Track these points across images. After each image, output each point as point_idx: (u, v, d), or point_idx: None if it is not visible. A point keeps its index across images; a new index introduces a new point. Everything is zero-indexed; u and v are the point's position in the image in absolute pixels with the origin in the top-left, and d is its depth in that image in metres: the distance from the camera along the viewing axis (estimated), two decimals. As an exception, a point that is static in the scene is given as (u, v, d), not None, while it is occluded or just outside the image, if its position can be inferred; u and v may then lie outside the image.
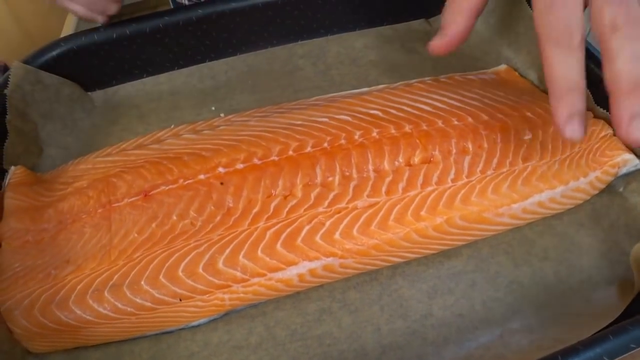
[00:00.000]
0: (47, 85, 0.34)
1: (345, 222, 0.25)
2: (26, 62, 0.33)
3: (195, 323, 0.25)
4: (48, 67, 0.34)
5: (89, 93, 0.37)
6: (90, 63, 0.36)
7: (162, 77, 0.37)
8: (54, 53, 0.35)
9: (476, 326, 0.24)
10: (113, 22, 0.35)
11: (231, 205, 0.26)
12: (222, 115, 0.33)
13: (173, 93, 0.36)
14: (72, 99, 0.35)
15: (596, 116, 0.30)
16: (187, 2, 0.47)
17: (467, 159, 0.27)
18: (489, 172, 0.27)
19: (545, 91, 0.34)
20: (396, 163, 0.27)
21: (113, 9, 0.33)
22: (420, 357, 0.24)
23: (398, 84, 0.34)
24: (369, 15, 0.39)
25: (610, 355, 0.19)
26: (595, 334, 0.20)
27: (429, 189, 0.26)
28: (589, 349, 0.19)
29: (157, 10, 0.36)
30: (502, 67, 0.36)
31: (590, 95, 0.31)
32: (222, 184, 0.26)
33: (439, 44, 0.27)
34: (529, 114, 0.30)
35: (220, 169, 0.27)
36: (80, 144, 0.34)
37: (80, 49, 0.35)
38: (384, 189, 0.26)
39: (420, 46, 0.39)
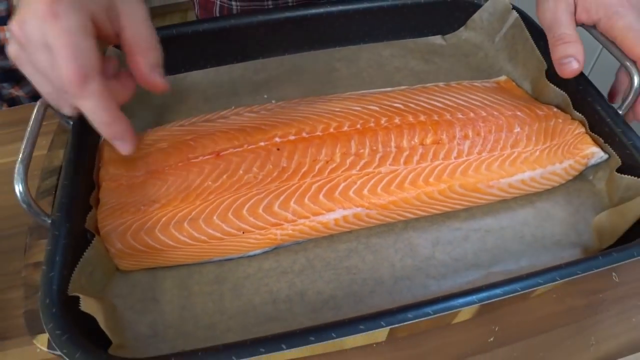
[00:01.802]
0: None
1: (372, 182, 0.32)
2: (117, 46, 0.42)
3: (251, 253, 0.33)
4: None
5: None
6: (164, 53, 0.44)
7: (223, 69, 0.45)
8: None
9: (467, 268, 0.32)
10: (187, 21, 0.43)
11: (285, 165, 0.33)
12: (273, 101, 0.41)
13: (232, 82, 0.44)
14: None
15: (573, 118, 0.38)
16: (235, 5, 0.55)
17: (467, 142, 0.35)
18: (484, 154, 0.34)
19: (535, 98, 0.42)
20: (412, 142, 0.34)
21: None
22: (424, 286, 0.31)
23: (417, 86, 0.41)
24: (395, 30, 0.47)
25: (561, 276, 0.26)
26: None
27: (437, 162, 0.33)
28: (548, 273, 0.27)
29: (224, 15, 0.44)
30: (502, 77, 0.44)
31: (570, 101, 0.38)
32: (278, 149, 0.34)
33: None
34: (519, 113, 0.37)
35: (277, 139, 0.35)
36: (153, 117, 0.42)
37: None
38: (402, 160, 0.33)
39: (436, 57, 0.47)
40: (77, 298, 0.26)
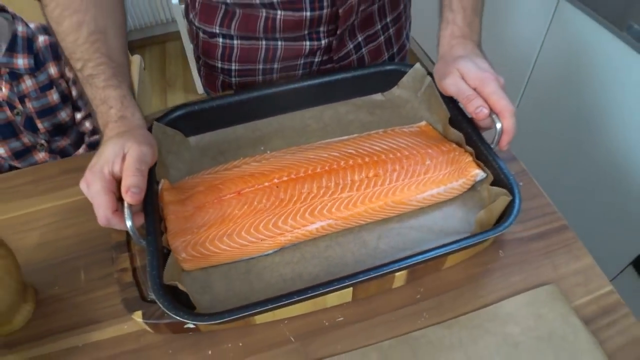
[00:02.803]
0: (168, 134, 0.61)
1: (336, 204, 0.52)
2: (158, 119, 0.61)
3: (266, 253, 0.52)
4: (167, 123, 0.62)
5: (188, 138, 0.64)
6: (188, 121, 0.63)
7: (229, 130, 0.65)
8: (171, 116, 0.62)
9: (399, 252, 0.52)
10: (207, 98, 0.63)
11: (282, 197, 0.53)
12: (268, 152, 0.61)
13: (237, 139, 0.64)
14: (179, 141, 0.63)
15: (465, 150, 0.59)
16: (234, 80, 0.75)
17: (395, 174, 0.55)
18: (406, 180, 0.55)
19: (444, 136, 0.63)
20: (360, 176, 0.55)
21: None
22: (373, 265, 0.51)
23: (364, 133, 0.62)
24: (349, 92, 0.68)
25: (451, 249, 0.47)
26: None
27: (376, 188, 0.54)
28: (446, 246, 0.47)
29: (228, 93, 0.64)
30: (423, 123, 0.64)
31: (464, 139, 0.59)
32: (277, 187, 0.54)
33: None
34: (430, 150, 0.58)
35: (275, 180, 0.54)
36: (186, 168, 0.62)
37: (183, 113, 0.62)
38: (355, 188, 0.53)
39: (378, 110, 0.67)
40: (168, 285, 0.46)
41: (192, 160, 0.62)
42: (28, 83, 0.86)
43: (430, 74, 0.66)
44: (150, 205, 0.51)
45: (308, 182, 0.54)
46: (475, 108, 0.55)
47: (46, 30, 0.88)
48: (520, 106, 1.63)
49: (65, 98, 0.90)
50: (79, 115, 0.93)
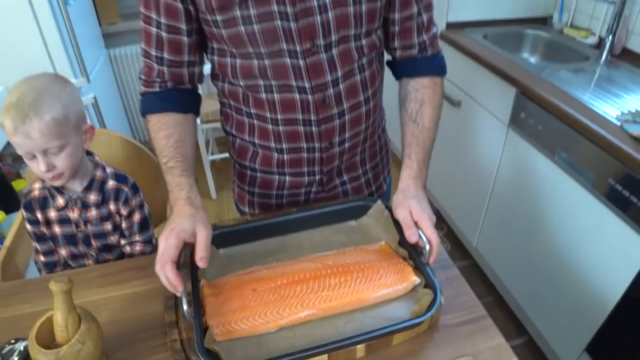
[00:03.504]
0: (206, 248, 0.90)
1: (318, 300, 0.79)
2: (200, 240, 0.89)
3: (272, 331, 0.78)
4: (206, 241, 0.90)
5: (218, 249, 0.92)
6: (220, 239, 0.92)
7: (248, 245, 0.93)
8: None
9: (359, 331, 0.77)
10: (228, 224, 0.92)
11: (283, 293, 0.80)
12: (274, 262, 0.89)
13: (253, 252, 0.92)
14: (213, 252, 0.91)
15: (408, 263, 0.86)
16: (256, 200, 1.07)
17: (359, 279, 0.82)
18: (366, 284, 0.82)
19: (396, 252, 0.91)
20: (334, 281, 0.82)
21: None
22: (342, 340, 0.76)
23: (341, 250, 0.90)
24: (331, 220, 0.97)
25: (389, 332, 0.73)
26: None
27: (345, 289, 0.81)
28: (385, 328, 0.73)
29: (248, 219, 0.93)
30: (382, 242, 0.93)
31: (407, 255, 0.87)
32: (280, 287, 0.81)
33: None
34: (384, 263, 0.86)
35: (279, 282, 0.82)
36: (218, 271, 0.89)
37: (218, 234, 0.91)
38: (330, 289, 0.81)
39: (351, 232, 0.96)
40: (207, 349, 0.71)
41: (222, 265, 0.90)
42: (93, 212, 1.13)
43: (388, 207, 0.95)
44: (196, 296, 0.78)
45: (300, 284, 0.81)
46: (409, 234, 0.84)
47: (116, 176, 1.17)
48: (488, 210, 1.94)
49: (116, 227, 1.17)
50: (123, 241, 1.20)
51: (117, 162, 1.33)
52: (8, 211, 1.92)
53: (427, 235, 0.84)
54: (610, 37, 1.81)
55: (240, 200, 1.16)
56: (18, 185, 2.02)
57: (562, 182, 1.47)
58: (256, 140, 1.01)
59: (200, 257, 0.76)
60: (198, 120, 2.37)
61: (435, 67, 1.01)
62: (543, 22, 2.19)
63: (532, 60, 2.12)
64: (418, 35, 0.97)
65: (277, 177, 1.05)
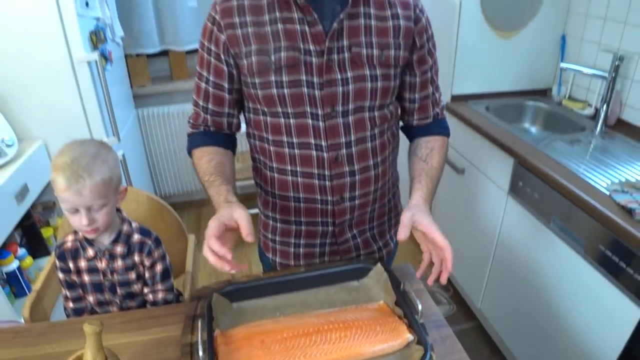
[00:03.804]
0: (221, 300, 0.99)
1: (320, 351, 0.88)
2: (217, 291, 0.99)
3: (276, 380, 0.86)
4: (221, 293, 1.00)
5: (232, 303, 1.02)
6: (233, 294, 1.02)
7: (259, 300, 1.03)
8: (224, 289, 1.01)
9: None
10: (242, 281, 1.02)
11: (289, 345, 0.89)
12: (282, 316, 0.98)
13: (263, 307, 1.01)
14: (227, 305, 1.00)
15: (403, 322, 0.95)
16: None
17: (358, 334, 0.91)
18: (363, 339, 0.90)
19: (392, 311, 0.99)
20: (335, 335, 0.91)
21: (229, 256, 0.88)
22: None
23: (342, 308, 0.99)
24: (335, 280, 1.07)
25: None
26: None
27: (345, 344, 0.89)
28: None
29: (260, 277, 1.04)
30: (381, 302, 1.02)
31: (402, 314, 0.96)
32: (286, 339, 0.90)
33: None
34: (381, 321, 0.94)
35: (285, 335, 0.91)
36: (230, 322, 0.98)
37: (232, 289, 1.01)
38: (332, 342, 0.89)
39: (353, 292, 1.05)
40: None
41: (234, 317, 1.00)
42: (119, 263, 1.24)
43: (387, 270, 1.05)
44: (210, 345, 0.87)
45: (304, 337, 0.90)
46: (401, 233, 0.96)
47: (141, 230, 1.27)
48: (490, 272, 2.01)
49: (139, 277, 1.27)
50: (145, 290, 1.29)
51: (143, 217, 1.46)
52: (35, 256, 2.05)
53: (438, 242, 0.94)
54: (604, 109, 1.94)
55: (265, 248, 1.28)
56: (46, 232, 2.16)
57: (557, 248, 1.55)
58: (276, 191, 1.15)
59: (247, 233, 0.89)
60: None
61: (442, 128, 1.21)
62: (543, 94, 2.33)
63: (533, 130, 2.25)
64: (433, 109, 1.19)
65: (294, 227, 1.18)
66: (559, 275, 1.57)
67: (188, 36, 2.91)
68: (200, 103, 1.12)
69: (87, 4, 2.08)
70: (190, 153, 1.16)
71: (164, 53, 2.99)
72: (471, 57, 2.20)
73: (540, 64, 2.30)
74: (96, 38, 2.17)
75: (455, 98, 2.25)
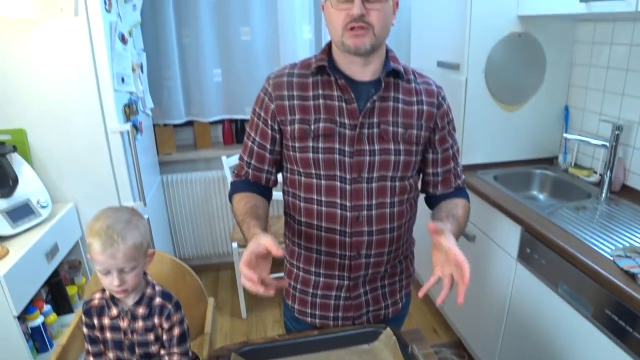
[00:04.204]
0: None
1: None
2: (235, 351, 1.06)
3: None
4: (239, 353, 1.06)
5: (249, 364, 1.08)
6: (249, 354, 1.08)
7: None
8: (243, 349, 1.07)
9: None
10: (258, 342, 1.09)
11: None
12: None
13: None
14: (244, 366, 1.07)
15: None
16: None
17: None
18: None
19: None
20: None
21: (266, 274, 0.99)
22: None
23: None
24: (348, 342, 1.12)
25: None
26: None
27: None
28: None
29: (276, 338, 1.10)
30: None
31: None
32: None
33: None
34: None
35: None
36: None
37: (249, 349, 1.07)
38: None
39: (364, 354, 1.11)
40: None
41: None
42: (139, 324, 1.30)
43: (396, 334, 1.11)
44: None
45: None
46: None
47: (163, 294, 1.33)
48: (503, 338, 2.02)
49: (158, 339, 1.33)
50: (162, 352, 1.34)
51: (165, 278, 1.54)
52: (59, 313, 2.12)
53: (459, 259, 0.96)
54: (607, 176, 2.01)
55: (286, 295, 1.38)
56: (71, 290, 2.25)
57: (565, 313, 1.58)
58: (302, 243, 1.28)
59: (275, 249, 0.96)
60: (235, 244, 2.67)
61: (464, 194, 1.34)
62: (550, 162, 2.42)
63: (541, 197, 2.32)
64: (455, 181, 1.32)
65: (314, 277, 1.29)
66: (570, 339, 1.59)
67: (213, 108, 3.09)
68: (245, 158, 1.29)
69: (122, 80, 2.28)
70: (231, 198, 1.30)
71: (189, 123, 3.17)
72: (478, 129, 2.32)
73: (545, 133, 2.41)
74: (129, 110, 2.35)
75: (465, 168, 2.33)
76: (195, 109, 3.12)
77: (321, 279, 1.28)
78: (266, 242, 0.98)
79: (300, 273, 1.32)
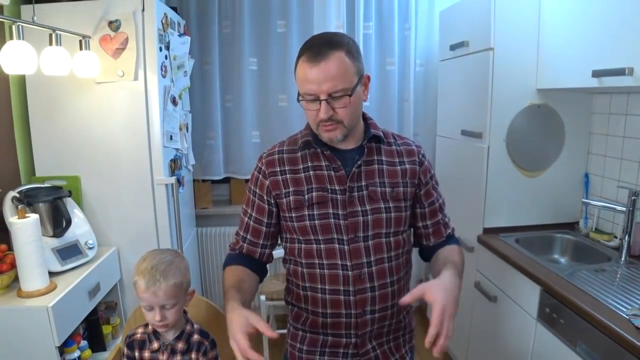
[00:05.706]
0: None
1: None
2: None
3: None
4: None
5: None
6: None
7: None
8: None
9: None
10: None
11: None
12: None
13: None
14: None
15: None
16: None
17: None
18: None
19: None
20: None
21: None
22: None
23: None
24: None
25: None
26: None
27: None
28: None
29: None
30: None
31: None
32: None
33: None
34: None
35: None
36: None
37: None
38: None
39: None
40: None
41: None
42: (178, 358, 1.41)
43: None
44: None
45: None
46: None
47: (200, 332, 1.45)
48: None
49: None
50: None
51: (201, 319, 1.66)
52: (93, 350, 2.22)
53: (432, 317, 1.03)
54: (626, 240, 2.06)
55: (291, 357, 1.42)
56: (106, 329, 2.37)
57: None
58: (309, 307, 1.33)
59: (267, 331, 1.04)
60: (263, 297, 2.79)
61: (455, 241, 1.42)
62: (571, 227, 2.47)
63: (562, 260, 2.36)
64: (445, 230, 1.42)
65: (321, 337, 1.35)
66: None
67: (249, 166, 3.26)
68: (241, 233, 1.39)
69: (171, 137, 2.51)
70: (224, 269, 1.36)
71: (226, 180, 3.39)
72: (500, 194, 2.41)
73: (566, 199, 2.49)
74: (174, 165, 2.57)
75: (487, 230, 2.43)
76: (233, 166, 3.35)
77: (329, 337, 1.33)
78: (257, 324, 1.05)
79: (307, 334, 1.36)
